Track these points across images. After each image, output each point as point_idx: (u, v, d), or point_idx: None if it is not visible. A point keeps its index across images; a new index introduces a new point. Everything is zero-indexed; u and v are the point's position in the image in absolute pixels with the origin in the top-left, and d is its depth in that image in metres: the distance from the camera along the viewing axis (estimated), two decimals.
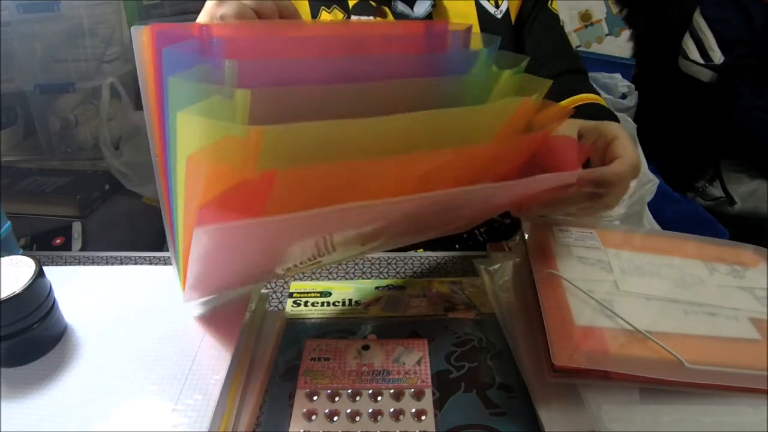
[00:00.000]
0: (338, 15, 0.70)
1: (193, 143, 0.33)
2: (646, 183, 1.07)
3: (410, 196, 0.35)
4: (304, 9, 0.71)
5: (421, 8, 0.68)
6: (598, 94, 0.73)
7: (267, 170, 0.31)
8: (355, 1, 0.69)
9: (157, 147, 0.42)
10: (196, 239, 0.32)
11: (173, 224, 0.43)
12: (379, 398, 0.45)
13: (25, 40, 1.19)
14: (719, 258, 0.56)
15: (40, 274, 0.43)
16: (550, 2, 0.76)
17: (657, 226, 1.10)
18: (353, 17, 0.69)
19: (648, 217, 1.10)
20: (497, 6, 0.72)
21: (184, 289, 0.44)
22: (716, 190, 1.37)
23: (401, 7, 0.69)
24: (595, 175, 0.43)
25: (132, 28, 0.39)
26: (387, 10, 0.69)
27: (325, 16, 0.70)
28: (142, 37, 0.39)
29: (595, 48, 1.65)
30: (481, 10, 0.71)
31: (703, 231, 0.62)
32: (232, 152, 0.32)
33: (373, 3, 0.69)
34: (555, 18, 0.77)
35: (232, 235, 0.33)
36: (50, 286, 0.45)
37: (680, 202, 1.29)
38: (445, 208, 0.42)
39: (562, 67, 0.73)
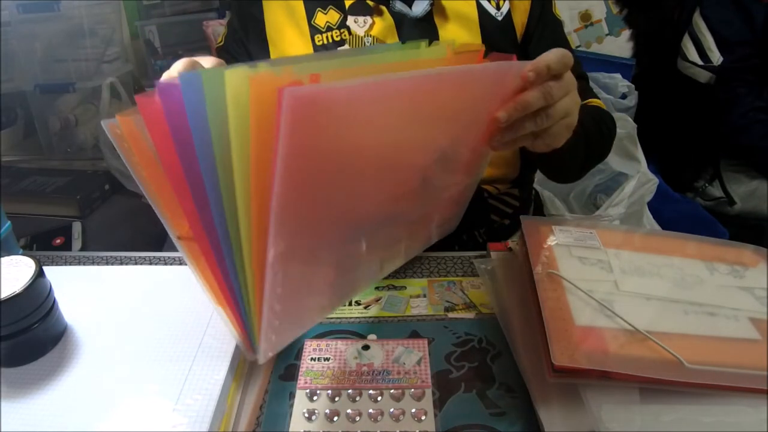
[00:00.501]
0: (334, 16, 0.69)
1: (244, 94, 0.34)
2: (646, 183, 1.07)
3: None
4: (299, 10, 0.70)
5: (420, 7, 0.68)
6: (597, 97, 0.75)
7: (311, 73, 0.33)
8: (351, 1, 0.69)
9: (181, 222, 0.41)
10: (285, 120, 0.31)
11: (231, 276, 0.40)
12: (379, 398, 0.45)
13: (25, 40, 1.19)
14: (719, 258, 0.56)
15: (40, 274, 0.43)
16: (553, 8, 0.75)
17: (657, 226, 1.10)
18: (350, 18, 0.69)
19: (648, 217, 1.10)
20: (498, 8, 0.71)
21: (260, 342, 0.41)
22: (716, 190, 1.37)
23: (399, 5, 0.68)
24: (531, 65, 0.46)
25: (102, 123, 0.39)
26: (384, 9, 0.68)
27: (320, 17, 0.69)
28: (116, 129, 0.39)
29: (595, 48, 1.65)
30: (481, 11, 0.70)
31: (703, 231, 0.62)
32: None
33: (370, 2, 0.68)
34: (558, 23, 0.76)
35: (325, 108, 0.33)
36: (50, 286, 0.45)
37: (680, 202, 1.29)
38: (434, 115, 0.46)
39: None
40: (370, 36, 0.69)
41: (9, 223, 0.58)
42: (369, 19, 0.68)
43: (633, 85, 1.40)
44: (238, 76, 0.33)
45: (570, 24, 1.63)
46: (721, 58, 1.28)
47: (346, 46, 0.69)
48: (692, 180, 1.41)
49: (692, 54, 1.33)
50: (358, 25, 0.69)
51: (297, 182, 0.34)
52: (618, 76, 1.43)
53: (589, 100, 0.74)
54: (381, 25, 0.69)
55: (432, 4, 0.68)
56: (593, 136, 0.68)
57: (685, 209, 1.28)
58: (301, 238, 0.39)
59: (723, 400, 0.42)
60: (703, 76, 1.32)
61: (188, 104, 0.36)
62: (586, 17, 1.63)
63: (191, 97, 0.36)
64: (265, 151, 0.33)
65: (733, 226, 1.20)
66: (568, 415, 0.42)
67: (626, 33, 1.59)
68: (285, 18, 0.71)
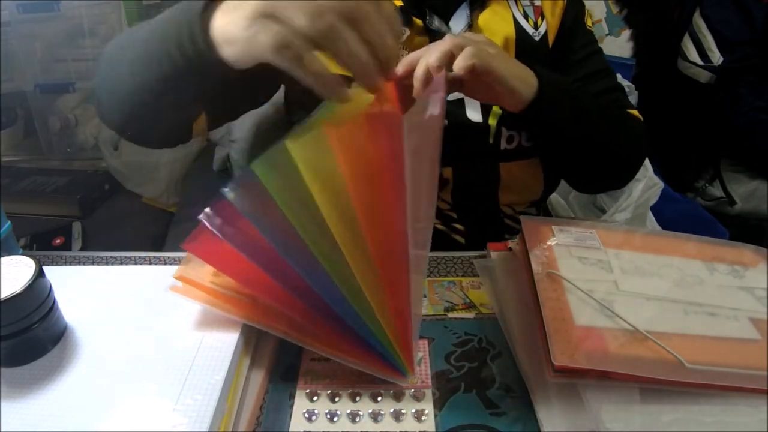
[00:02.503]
0: None
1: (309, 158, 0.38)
2: (651, 186, 1.06)
3: None
4: None
5: (458, 27, 0.66)
6: (635, 110, 0.76)
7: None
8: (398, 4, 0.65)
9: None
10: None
11: (361, 330, 0.42)
12: (379, 398, 0.45)
13: (25, 40, 1.19)
14: (719, 258, 0.56)
15: (40, 274, 0.43)
16: (585, 18, 0.74)
17: (658, 228, 1.10)
18: None
19: (651, 219, 1.09)
20: (536, 27, 0.69)
21: (410, 363, 0.43)
22: (716, 190, 1.37)
23: (437, 23, 0.66)
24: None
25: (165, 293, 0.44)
26: (421, 23, 0.65)
27: None
28: (180, 290, 0.44)
29: None
30: (519, 31, 0.68)
31: (703, 231, 0.62)
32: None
33: (414, 17, 0.65)
34: (591, 34, 0.75)
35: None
36: (50, 286, 0.45)
37: (680, 202, 1.29)
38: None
39: (599, 87, 0.74)
40: (405, 50, 0.65)
41: (9, 223, 0.58)
42: (407, 30, 0.65)
43: (633, 85, 1.40)
44: (300, 146, 0.37)
45: None
46: (722, 58, 1.28)
47: None
48: (692, 180, 1.41)
49: (692, 54, 1.33)
50: None
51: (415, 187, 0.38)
52: (618, 76, 1.42)
53: (630, 111, 0.75)
54: (415, 38, 0.66)
55: (470, 25, 0.66)
56: (597, 119, 0.68)
57: (685, 209, 1.28)
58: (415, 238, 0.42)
59: (723, 400, 0.42)
60: (704, 76, 1.32)
61: (245, 209, 0.38)
62: None
63: (246, 201, 0.38)
64: (362, 183, 0.38)
65: (733, 226, 1.20)
66: (568, 415, 0.42)
67: (626, 33, 1.59)
68: None
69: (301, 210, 0.38)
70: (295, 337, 0.45)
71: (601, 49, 0.77)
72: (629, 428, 0.40)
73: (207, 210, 0.39)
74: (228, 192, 0.38)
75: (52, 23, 1.20)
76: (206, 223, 0.39)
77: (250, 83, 0.59)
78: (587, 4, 0.77)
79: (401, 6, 0.65)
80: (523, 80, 0.58)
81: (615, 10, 1.60)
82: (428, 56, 0.52)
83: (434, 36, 0.66)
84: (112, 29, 1.28)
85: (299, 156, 0.37)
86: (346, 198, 0.38)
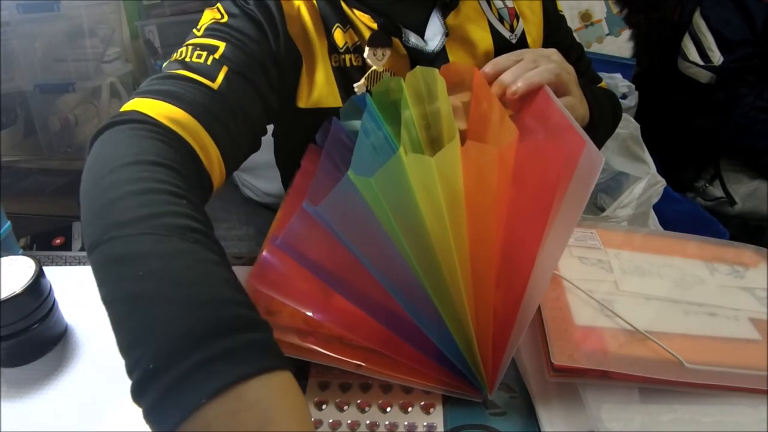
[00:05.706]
0: (353, 37, 0.63)
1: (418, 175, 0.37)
2: (654, 184, 1.06)
3: None
4: (318, 24, 0.63)
5: (435, 42, 0.64)
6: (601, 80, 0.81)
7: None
8: (371, 31, 0.63)
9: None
10: None
11: (448, 349, 0.41)
12: (389, 391, 0.45)
13: (25, 40, 1.19)
14: (719, 258, 0.56)
15: (40, 274, 0.43)
16: (557, 5, 0.74)
17: (660, 227, 1.10)
18: (368, 50, 0.62)
19: (653, 218, 1.09)
20: (512, 30, 0.68)
21: (494, 379, 0.42)
22: (716, 190, 1.37)
23: (414, 39, 0.63)
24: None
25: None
26: (398, 42, 0.63)
27: (339, 34, 0.63)
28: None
29: (595, 48, 1.65)
30: (496, 37, 0.67)
31: (703, 231, 0.62)
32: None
33: (392, 36, 0.63)
34: (563, 20, 0.75)
35: None
36: (50, 286, 0.45)
37: (680, 202, 1.29)
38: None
39: (582, 69, 0.74)
40: (388, 71, 0.64)
41: (9, 223, 0.58)
42: (388, 51, 0.63)
43: (633, 85, 1.40)
44: (420, 163, 0.37)
45: (570, 24, 1.62)
46: (722, 58, 1.28)
47: (363, 81, 0.63)
48: (693, 180, 1.41)
49: (693, 54, 1.33)
50: (377, 58, 0.63)
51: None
52: (618, 76, 1.42)
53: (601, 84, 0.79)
54: (395, 57, 0.64)
55: (447, 34, 0.64)
56: (614, 120, 0.73)
57: (686, 209, 1.28)
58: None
59: (723, 400, 0.42)
60: (704, 76, 1.32)
61: (338, 224, 0.37)
62: (586, 17, 1.63)
63: (338, 215, 0.37)
64: (479, 204, 0.39)
65: (733, 226, 1.20)
66: (568, 414, 0.42)
67: (626, 33, 1.59)
68: (307, 19, 0.62)
69: (399, 225, 0.37)
70: (370, 370, 0.43)
71: (571, 33, 0.78)
72: (629, 428, 0.40)
73: (280, 240, 0.39)
74: (321, 208, 0.36)
75: (52, 23, 1.20)
76: (285, 250, 0.39)
77: (252, 130, 0.56)
78: (587, 4, 0.77)
79: (377, 30, 0.63)
80: (581, 117, 0.59)
81: (615, 10, 1.60)
82: (520, 72, 0.54)
83: (413, 54, 0.64)
84: (112, 29, 1.29)
85: (417, 175, 0.37)
86: (461, 214, 0.38)
